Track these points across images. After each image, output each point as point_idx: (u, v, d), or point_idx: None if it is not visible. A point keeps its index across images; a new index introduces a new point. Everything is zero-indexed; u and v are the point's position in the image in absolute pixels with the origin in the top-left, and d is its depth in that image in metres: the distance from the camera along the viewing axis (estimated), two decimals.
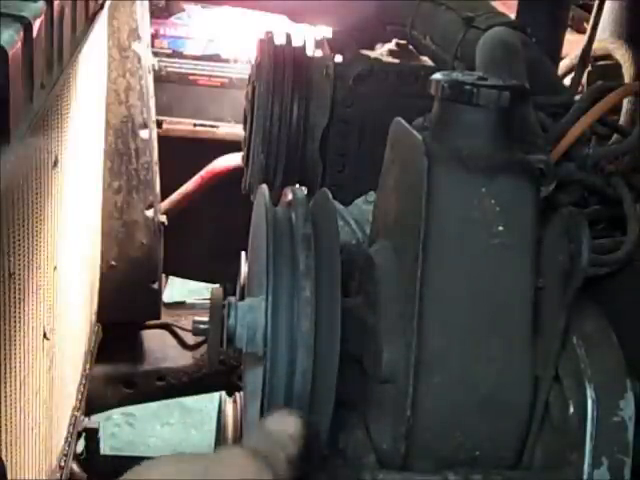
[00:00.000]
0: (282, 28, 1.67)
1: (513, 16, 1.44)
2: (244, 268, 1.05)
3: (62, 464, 1.58)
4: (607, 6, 1.48)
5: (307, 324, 0.84)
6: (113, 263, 2.26)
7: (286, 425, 0.79)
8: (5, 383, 1.08)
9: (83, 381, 1.84)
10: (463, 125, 0.87)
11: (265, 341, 0.84)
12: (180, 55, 2.57)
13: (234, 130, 2.42)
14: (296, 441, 0.78)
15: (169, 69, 2.54)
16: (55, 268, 1.35)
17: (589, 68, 1.48)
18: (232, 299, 0.89)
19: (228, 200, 2.05)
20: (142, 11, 2.18)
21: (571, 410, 0.82)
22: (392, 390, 0.86)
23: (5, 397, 1.08)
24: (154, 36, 2.48)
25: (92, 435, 2.06)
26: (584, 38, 1.46)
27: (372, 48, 1.69)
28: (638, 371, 0.84)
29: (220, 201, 2.41)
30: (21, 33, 0.97)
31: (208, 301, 0.92)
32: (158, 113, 2.33)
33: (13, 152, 0.96)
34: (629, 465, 0.81)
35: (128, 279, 2.28)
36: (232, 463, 0.73)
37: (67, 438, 1.65)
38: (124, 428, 3.37)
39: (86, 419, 2.00)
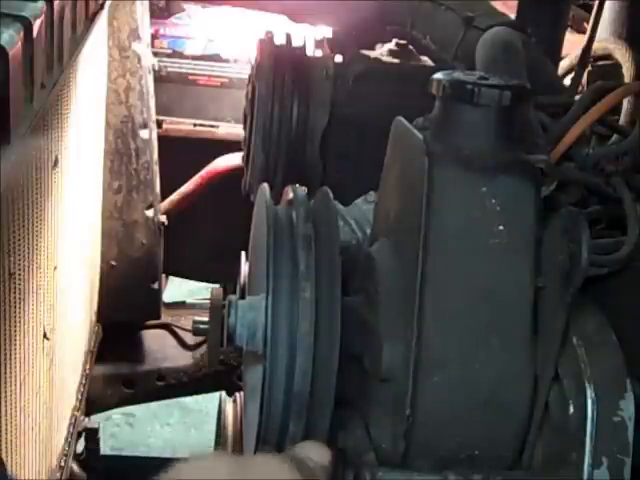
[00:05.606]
0: (282, 28, 1.67)
1: (513, 16, 1.44)
2: (244, 268, 1.05)
3: (62, 464, 1.58)
4: (607, 6, 1.48)
5: (307, 323, 0.84)
6: (113, 263, 2.25)
7: (317, 456, 0.80)
8: (5, 383, 1.08)
9: (83, 381, 1.84)
10: (464, 125, 0.87)
11: (265, 340, 0.84)
12: (180, 55, 2.56)
13: (234, 130, 2.41)
14: (326, 471, 0.79)
15: (169, 69, 2.54)
16: (55, 268, 1.35)
17: (589, 68, 1.47)
18: (232, 297, 0.89)
19: (228, 200, 2.05)
20: (142, 11, 2.18)
21: (571, 410, 0.82)
22: (392, 389, 0.86)
23: (5, 397, 1.08)
24: (154, 36, 2.48)
25: (92, 435, 2.05)
26: (584, 38, 1.46)
27: (372, 48, 1.68)
28: (638, 371, 0.84)
29: (220, 201, 2.41)
30: (21, 33, 0.96)
31: (208, 301, 0.92)
32: (158, 113, 2.33)
33: (13, 152, 0.96)
34: (629, 465, 0.81)
35: (128, 279, 2.27)
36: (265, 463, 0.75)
37: (67, 438, 1.65)
38: (124, 428, 3.36)
39: (86, 419, 1.99)
